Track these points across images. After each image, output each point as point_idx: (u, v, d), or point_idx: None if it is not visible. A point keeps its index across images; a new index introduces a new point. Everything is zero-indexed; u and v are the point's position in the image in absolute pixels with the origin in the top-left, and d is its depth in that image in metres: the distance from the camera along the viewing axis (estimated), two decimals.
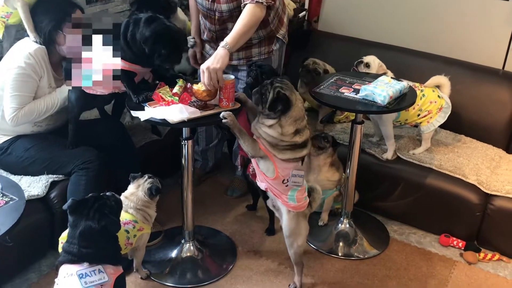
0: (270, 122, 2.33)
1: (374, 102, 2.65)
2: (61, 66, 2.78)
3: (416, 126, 3.23)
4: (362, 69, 3.18)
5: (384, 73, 3.11)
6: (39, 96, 2.72)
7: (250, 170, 2.89)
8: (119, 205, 2.27)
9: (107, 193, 2.23)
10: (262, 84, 2.36)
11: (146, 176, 2.63)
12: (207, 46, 3.15)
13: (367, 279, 2.82)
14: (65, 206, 2.13)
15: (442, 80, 3.17)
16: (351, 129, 2.89)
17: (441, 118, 3.12)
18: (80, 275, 1.99)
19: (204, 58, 3.04)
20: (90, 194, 2.18)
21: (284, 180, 2.42)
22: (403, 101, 2.73)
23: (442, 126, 3.31)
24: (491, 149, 3.28)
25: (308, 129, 2.43)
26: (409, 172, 3.12)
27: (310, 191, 2.59)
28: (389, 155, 3.16)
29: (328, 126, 3.51)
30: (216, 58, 2.46)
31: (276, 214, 2.69)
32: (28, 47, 2.66)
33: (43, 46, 2.68)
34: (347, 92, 2.77)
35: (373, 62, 3.19)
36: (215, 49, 2.58)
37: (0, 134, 2.80)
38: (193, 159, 2.75)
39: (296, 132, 2.35)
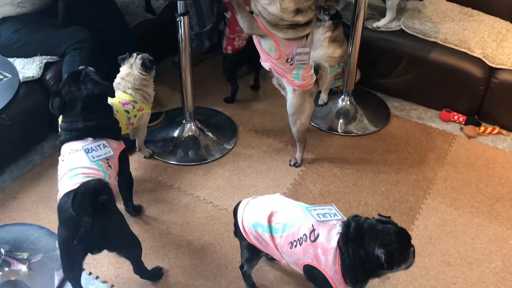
0: None
1: None
2: None
3: None
4: None
5: None
6: None
7: (228, 50, 2.85)
8: (97, 74, 2.19)
9: (79, 67, 2.16)
10: None
11: (135, 54, 2.57)
12: None
13: (367, 154, 2.86)
14: (54, 111, 2.06)
15: None
16: (355, 2, 2.76)
17: None
18: (87, 150, 1.98)
19: None
20: (66, 76, 2.10)
21: (288, 59, 2.35)
22: None
23: None
24: (498, 22, 3.17)
25: (313, 10, 2.30)
26: (413, 47, 3.03)
27: (317, 68, 2.53)
28: (381, 23, 3.07)
29: (330, 1, 3.34)
30: None
31: (282, 93, 2.65)
32: None
33: None
34: None
35: None
36: None
37: None
38: (190, 39, 2.65)
39: (298, 12, 2.23)
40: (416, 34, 3.04)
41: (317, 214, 1.71)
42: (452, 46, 2.97)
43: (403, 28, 3.07)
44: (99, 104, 2.07)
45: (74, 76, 2.06)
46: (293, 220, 1.75)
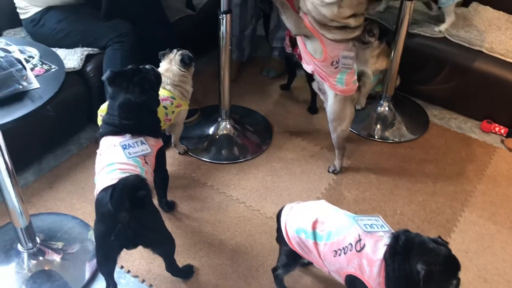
0: None
1: None
2: None
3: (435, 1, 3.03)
4: None
5: None
6: None
7: (298, 51, 2.74)
8: (158, 80, 2.21)
9: (147, 66, 2.16)
10: None
11: (175, 50, 2.55)
12: None
13: (404, 162, 2.80)
14: (104, 77, 2.07)
15: None
16: (399, 7, 2.70)
17: None
18: (124, 146, 1.97)
19: None
20: (129, 66, 2.10)
21: (333, 62, 2.30)
22: None
23: (495, 7, 3.16)
24: None
25: (364, 15, 2.26)
26: (457, 55, 2.96)
27: (360, 75, 2.48)
28: (443, 27, 3.01)
29: (372, 4, 3.28)
30: None
31: (321, 97, 2.60)
32: None
33: None
34: None
35: None
36: None
37: (31, 5, 2.70)
38: (231, 36, 2.63)
39: (352, 16, 2.18)
40: (460, 42, 2.97)
41: (364, 225, 1.68)
42: (498, 56, 2.89)
43: (447, 36, 3.00)
44: (138, 109, 2.03)
45: (134, 71, 2.06)
46: (339, 229, 1.72)
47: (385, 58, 2.96)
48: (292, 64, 3.07)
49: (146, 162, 2.01)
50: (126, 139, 2.00)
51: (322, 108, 2.65)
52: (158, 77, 2.20)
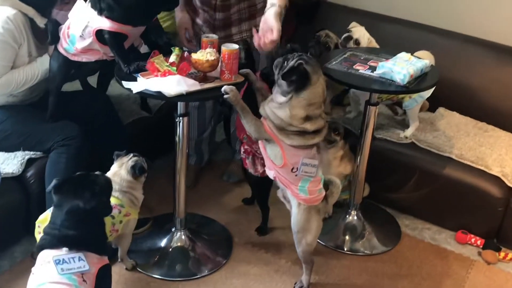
0: (282, 99, 2.11)
1: (393, 81, 2.38)
2: (46, 31, 2.49)
3: (399, 103, 2.98)
4: (351, 45, 2.90)
5: None
6: (17, 66, 2.47)
7: (241, 151, 2.61)
8: (109, 186, 2.09)
9: (96, 173, 2.07)
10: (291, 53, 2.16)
11: (131, 155, 2.40)
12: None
13: (376, 277, 2.57)
14: (48, 188, 1.96)
15: (424, 55, 2.81)
16: (364, 111, 2.62)
17: (426, 92, 2.79)
18: (57, 261, 1.80)
19: (197, 35, 2.76)
20: (77, 173, 2.02)
21: (293, 168, 2.19)
22: (424, 80, 2.46)
23: (462, 112, 3.13)
24: None
25: (323, 118, 2.19)
26: (426, 161, 2.85)
27: (328, 184, 2.35)
28: (408, 132, 2.92)
29: (336, 108, 3.23)
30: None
31: (287, 207, 2.42)
32: (6, 11, 2.37)
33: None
34: (362, 69, 2.49)
35: (363, 37, 2.91)
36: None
37: None
38: (188, 140, 2.48)
39: (307, 119, 2.12)
40: (429, 148, 2.87)
41: None
42: (468, 163, 2.79)
43: (415, 141, 2.91)
44: (86, 217, 1.91)
45: (82, 176, 1.99)
46: None
47: (349, 163, 2.85)
48: (251, 176, 2.84)
49: (84, 281, 1.82)
50: (61, 253, 1.83)
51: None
52: (108, 182, 2.08)
